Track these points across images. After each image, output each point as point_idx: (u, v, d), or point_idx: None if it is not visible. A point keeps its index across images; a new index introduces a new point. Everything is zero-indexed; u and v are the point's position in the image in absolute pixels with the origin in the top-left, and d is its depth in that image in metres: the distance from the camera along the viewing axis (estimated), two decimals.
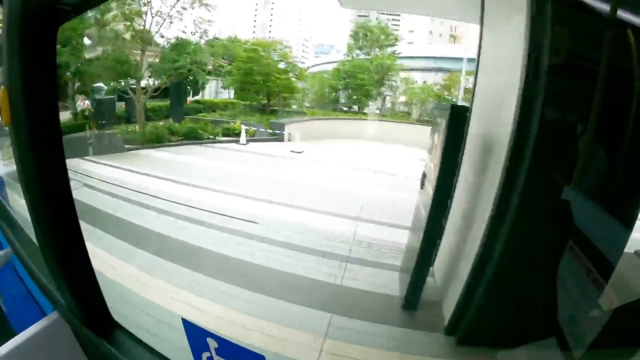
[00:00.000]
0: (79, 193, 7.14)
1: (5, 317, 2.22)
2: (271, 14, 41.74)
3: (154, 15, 14.39)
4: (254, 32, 38.76)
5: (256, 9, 40.08)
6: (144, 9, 14.34)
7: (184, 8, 14.81)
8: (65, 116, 16.66)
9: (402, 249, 4.68)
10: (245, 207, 7.00)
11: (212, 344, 1.14)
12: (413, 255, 3.15)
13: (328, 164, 12.90)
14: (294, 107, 23.91)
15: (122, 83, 14.33)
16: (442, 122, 2.99)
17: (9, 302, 2.00)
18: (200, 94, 21.81)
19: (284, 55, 22.58)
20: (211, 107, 22.02)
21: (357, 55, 24.57)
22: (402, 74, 24.91)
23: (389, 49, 24.50)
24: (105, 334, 1.42)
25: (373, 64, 23.46)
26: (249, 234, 5.61)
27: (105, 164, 10.44)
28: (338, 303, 3.79)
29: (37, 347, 1.50)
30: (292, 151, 14.25)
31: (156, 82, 15.05)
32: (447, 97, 23.18)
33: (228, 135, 16.09)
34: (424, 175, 3.77)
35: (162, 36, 15.37)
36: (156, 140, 14.09)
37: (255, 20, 41.69)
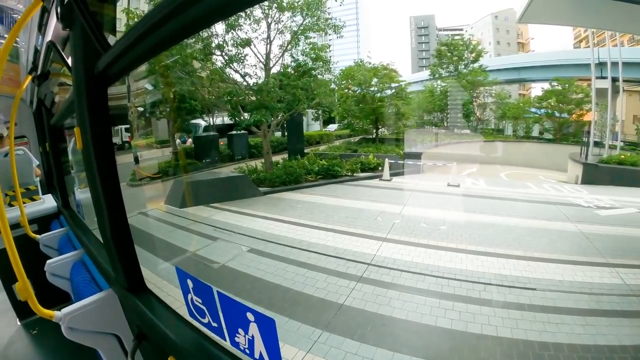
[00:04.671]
0: (246, 263, 6.19)
1: (70, 297, 2.74)
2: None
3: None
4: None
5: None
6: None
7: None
8: (153, 153, 16.30)
9: None
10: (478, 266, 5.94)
11: (190, 284, 1.40)
12: None
13: (506, 199, 11.21)
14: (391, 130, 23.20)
15: (259, 116, 13.02)
16: None
17: (76, 285, 2.49)
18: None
19: (393, 78, 22.01)
20: (308, 140, 21.13)
21: (441, 74, 23.83)
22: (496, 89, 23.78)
23: (475, 64, 23.40)
24: (139, 295, 1.80)
25: (466, 81, 22.62)
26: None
27: (251, 214, 9.33)
28: None
29: (94, 308, 1.95)
30: (449, 185, 13.04)
31: (279, 116, 14.14)
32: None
33: (364, 170, 15.12)
34: None
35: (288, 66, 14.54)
36: (294, 181, 12.94)
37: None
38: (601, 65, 17.78)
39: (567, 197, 11.31)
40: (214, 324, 1.36)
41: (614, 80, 17.39)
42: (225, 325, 1.29)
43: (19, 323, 4.24)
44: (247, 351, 1.20)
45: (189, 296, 1.46)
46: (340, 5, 14.04)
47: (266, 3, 13.03)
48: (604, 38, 17.83)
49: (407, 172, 15.55)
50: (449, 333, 4.19)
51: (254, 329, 1.15)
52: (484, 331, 4.18)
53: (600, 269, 5.76)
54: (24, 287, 1.63)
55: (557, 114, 21.17)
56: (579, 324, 4.26)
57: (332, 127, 30.11)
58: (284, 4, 13.01)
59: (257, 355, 1.17)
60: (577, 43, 24.26)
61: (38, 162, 5.43)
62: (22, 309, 4.21)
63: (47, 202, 4.79)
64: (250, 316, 1.15)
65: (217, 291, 1.29)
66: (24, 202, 4.06)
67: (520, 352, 3.83)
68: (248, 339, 1.18)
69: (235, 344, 1.25)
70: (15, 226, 3.55)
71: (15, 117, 3.25)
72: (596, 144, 16.95)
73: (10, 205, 4.38)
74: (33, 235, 3.50)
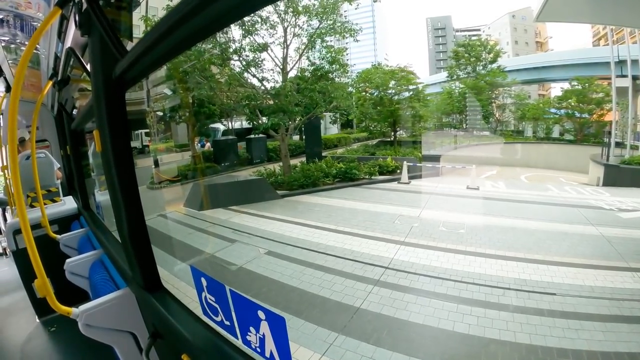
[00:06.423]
0: (264, 266, 6.13)
1: (89, 296, 2.81)
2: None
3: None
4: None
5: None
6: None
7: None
8: (173, 157, 16.54)
9: None
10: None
11: (204, 282, 1.43)
12: None
13: (526, 201, 10.82)
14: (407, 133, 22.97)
15: (277, 120, 13.05)
16: None
17: (94, 284, 2.56)
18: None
19: (411, 80, 21.54)
20: (326, 143, 21.11)
21: (459, 75, 23.56)
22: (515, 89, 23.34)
23: (493, 65, 23.04)
24: (156, 294, 1.84)
25: (485, 82, 22.26)
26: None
27: (269, 217, 9.29)
28: None
29: (111, 306, 2.00)
30: (468, 187, 12.78)
31: (297, 120, 14.01)
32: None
33: (382, 173, 14.98)
34: None
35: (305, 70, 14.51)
36: (312, 184, 12.88)
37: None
38: (621, 63, 17.40)
39: (588, 200, 11.05)
40: (227, 323, 1.37)
41: (635, 78, 16.97)
42: (237, 323, 1.31)
43: (37, 320, 4.32)
44: (258, 350, 1.21)
45: (203, 294, 1.48)
46: (356, 8, 13.96)
47: (282, 7, 13.04)
48: (623, 35, 17.45)
49: (426, 175, 15.33)
50: (467, 338, 4.13)
51: (264, 327, 1.16)
52: (501, 337, 4.11)
53: (622, 273, 5.60)
54: (43, 284, 1.66)
55: (577, 114, 20.71)
56: (599, 330, 4.15)
57: (334, 130, 29.98)
58: (300, 8, 13.02)
59: (267, 354, 1.18)
60: (596, 40, 23.79)
61: (59, 165, 5.56)
62: (41, 307, 4.29)
63: (68, 204, 4.90)
64: (261, 314, 1.16)
65: (230, 289, 1.31)
66: (45, 204, 4.16)
67: (539, 358, 3.75)
68: (259, 337, 1.19)
69: (247, 343, 1.26)
70: (36, 226, 3.60)
71: (37, 121, 3.34)
72: (618, 144, 16.59)
73: (32, 206, 4.49)
74: (53, 235, 3.57)
